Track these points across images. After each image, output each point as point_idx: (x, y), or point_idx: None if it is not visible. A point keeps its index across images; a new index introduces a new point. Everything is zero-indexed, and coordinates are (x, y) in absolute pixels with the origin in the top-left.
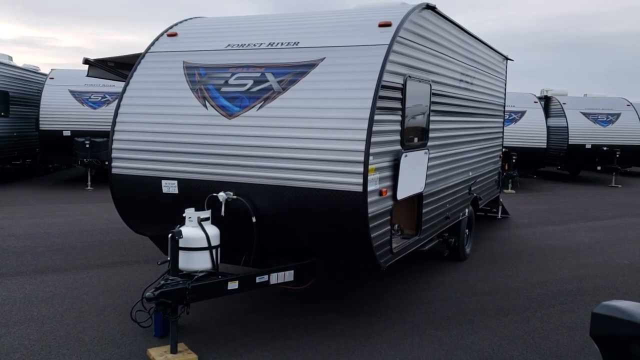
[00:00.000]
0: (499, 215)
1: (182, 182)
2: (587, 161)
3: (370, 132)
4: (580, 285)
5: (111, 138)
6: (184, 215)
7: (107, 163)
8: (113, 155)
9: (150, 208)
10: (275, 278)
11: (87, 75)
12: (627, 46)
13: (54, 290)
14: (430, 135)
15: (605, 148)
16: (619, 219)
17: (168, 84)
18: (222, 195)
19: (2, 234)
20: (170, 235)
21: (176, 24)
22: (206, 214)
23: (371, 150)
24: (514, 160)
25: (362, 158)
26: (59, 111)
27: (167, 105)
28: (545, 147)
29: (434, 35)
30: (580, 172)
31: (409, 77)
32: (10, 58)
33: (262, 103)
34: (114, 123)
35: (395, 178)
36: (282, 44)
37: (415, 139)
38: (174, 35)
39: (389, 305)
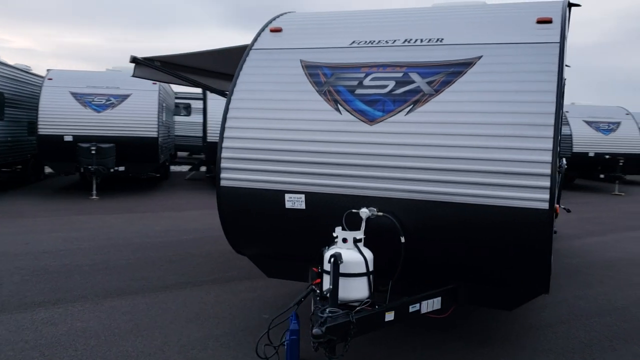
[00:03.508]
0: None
1: (311, 196)
2: (590, 169)
3: (556, 141)
4: None
5: (220, 145)
6: (334, 234)
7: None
8: (222, 165)
9: (265, 226)
10: (426, 306)
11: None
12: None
13: (133, 319)
14: None
15: (607, 156)
16: None
17: (286, 84)
18: (364, 212)
19: (32, 250)
20: (332, 259)
21: (275, 18)
22: (360, 234)
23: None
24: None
25: (549, 170)
26: (59, 115)
27: (288, 109)
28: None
29: None
30: (575, 180)
31: (565, 78)
32: None
33: (410, 107)
34: (222, 128)
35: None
36: (422, 40)
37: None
38: (279, 30)
39: (507, 330)
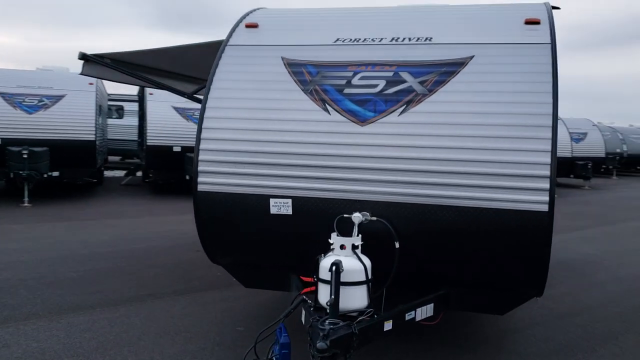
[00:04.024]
0: None
1: (298, 201)
2: (565, 170)
3: (555, 142)
4: None
5: (197, 147)
6: (330, 241)
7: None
8: (200, 168)
9: (247, 233)
10: (420, 314)
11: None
12: None
13: (96, 336)
14: None
15: (579, 161)
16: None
17: (267, 83)
18: (357, 217)
19: None
20: (333, 267)
21: (249, 13)
22: (357, 240)
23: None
24: None
25: (548, 172)
26: None
27: (272, 109)
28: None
29: None
30: None
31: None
32: None
33: (403, 107)
34: (199, 129)
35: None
36: (410, 39)
37: None
38: (255, 26)
39: (485, 334)
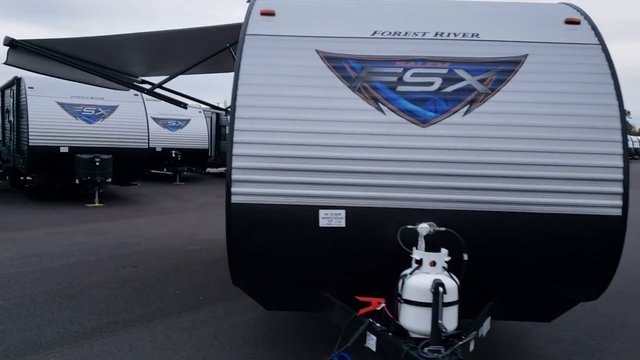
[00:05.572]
0: None
1: (352, 212)
2: None
3: (626, 144)
4: None
5: (229, 152)
6: (414, 257)
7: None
8: (234, 176)
9: (288, 249)
10: (484, 329)
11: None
12: None
13: None
14: None
15: None
16: None
17: (304, 79)
18: (424, 227)
19: None
20: (437, 288)
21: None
22: (444, 255)
23: None
24: None
25: (621, 175)
26: None
27: (316, 109)
28: None
29: None
30: None
31: None
32: None
33: (467, 107)
34: (231, 131)
35: None
36: (455, 34)
37: None
38: (271, 14)
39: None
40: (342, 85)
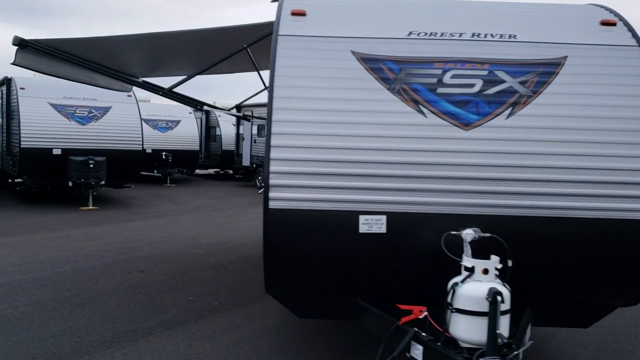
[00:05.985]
0: None
1: (394, 217)
2: None
3: None
4: None
5: (267, 157)
6: (464, 264)
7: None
8: (272, 181)
9: (326, 255)
10: (527, 338)
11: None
12: None
13: None
14: None
15: None
16: None
17: (341, 81)
18: (469, 234)
19: None
20: (495, 297)
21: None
22: (496, 262)
23: None
24: None
25: None
26: None
27: (355, 111)
28: None
29: None
30: None
31: None
32: None
33: (510, 109)
34: (268, 135)
35: None
36: (492, 35)
37: None
38: (302, 14)
39: None
40: (380, 87)
